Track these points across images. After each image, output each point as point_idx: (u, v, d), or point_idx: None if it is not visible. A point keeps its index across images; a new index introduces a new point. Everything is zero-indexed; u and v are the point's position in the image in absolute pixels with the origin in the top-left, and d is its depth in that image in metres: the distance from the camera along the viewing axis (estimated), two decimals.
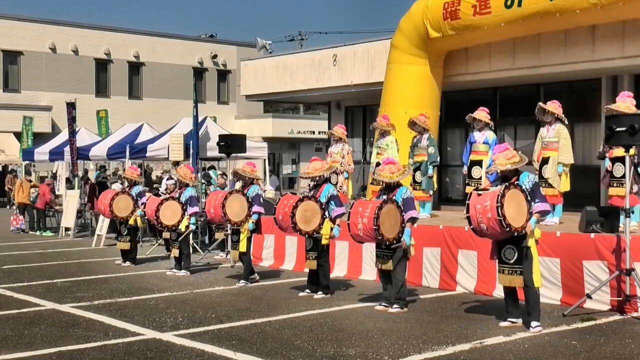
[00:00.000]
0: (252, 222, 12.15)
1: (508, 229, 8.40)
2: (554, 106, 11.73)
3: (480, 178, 12.61)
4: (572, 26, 14.26)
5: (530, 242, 8.62)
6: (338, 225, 10.85)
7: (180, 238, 13.21)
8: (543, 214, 8.86)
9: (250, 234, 12.24)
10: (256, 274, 12.43)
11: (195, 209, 13.31)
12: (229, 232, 12.89)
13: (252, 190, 12.23)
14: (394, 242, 9.64)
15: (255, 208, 12.12)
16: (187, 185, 13.48)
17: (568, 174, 11.76)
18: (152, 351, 7.81)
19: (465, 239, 11.23)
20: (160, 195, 14.08)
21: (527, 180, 8.75)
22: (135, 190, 14.83)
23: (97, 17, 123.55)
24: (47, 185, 22.24)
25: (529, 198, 8.57)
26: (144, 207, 14.01)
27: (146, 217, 14.06)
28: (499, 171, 8.91)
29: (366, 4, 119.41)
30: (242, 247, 12.11)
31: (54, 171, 27.16)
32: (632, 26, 13.77)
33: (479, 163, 12.76)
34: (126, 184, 16.06)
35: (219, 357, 7.59)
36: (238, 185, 13.85)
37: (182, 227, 13.17)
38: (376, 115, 15.08)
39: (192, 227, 13.46)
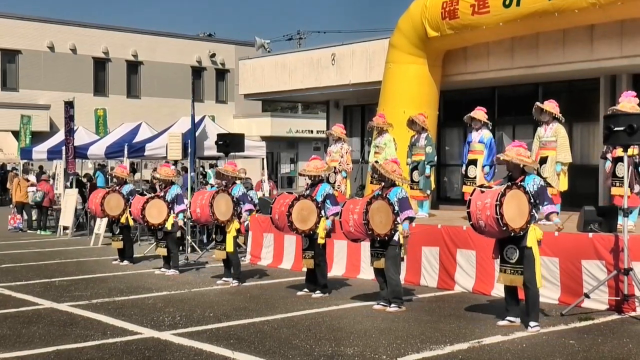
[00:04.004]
0: (248, 220, 12.24)
1: (505, 228, 8.40)
2: (551, 105, 11.73)
3: (476, 177, 12.61)
4: (570, 26, 14.27)
5: (532, 243, 8.61)
6: (331, 219, 10.83)
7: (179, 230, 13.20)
8: (552, 215, 8.83)
9: (237, 233, 12.24)
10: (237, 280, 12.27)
11: (183, 206, 13.25)
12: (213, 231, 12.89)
13: (238, 190, 12.24)
14: (386, 238, 9.66)
15: (247, 206, 12.13)
16: (172, 183, 13.46)
17: (566, 173, 11.76)
18: (150, 350, 7.80)
19: (463, 238, 11.23)
20: (144, 195, 14.10)
21: (533, 183, 8.74)
22: (126, 188, 14.80)
23: (96, 16, 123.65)
24: (45, 182, 22.21)
25: (532, 200, 8.56)
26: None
27: (132, 217, 13.93)
28: (501, 159, 8.88)
29: (365, 3, 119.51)
30: (230, 246, 12.07)
31: (53, 171, 27.10)
32: (630, 26, 13.78)
33: (474, 162, 12.76)
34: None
35: (217, 356, 7.58)
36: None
37: (168, 225, 13.13)
38: (375, 114, 15.09)
39: (181, 222, 13.42)
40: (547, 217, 8.89)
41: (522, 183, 8.70)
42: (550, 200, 8.85)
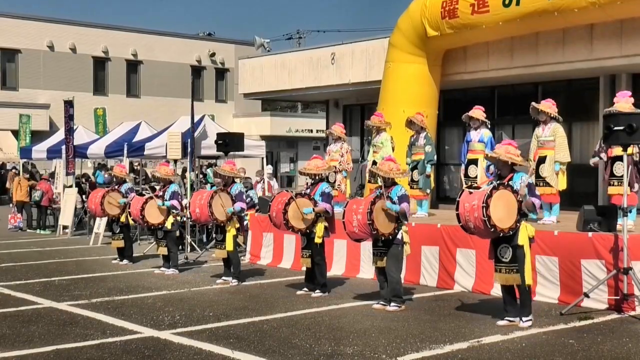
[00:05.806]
0: (246, 215, 12.24)
1: (493, 229, 8.44)
2: (548, 105, 11.71)
3: (476, 177, 12.61)
4: (570, 25, 14.28)
5: (523, 241, 8.65)
6: (312, 209, 10.70)
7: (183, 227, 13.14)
8: (533, 206, 8.73)
9: (237, 232, 12.25)
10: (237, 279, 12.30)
11: (174, 202, 13.18)
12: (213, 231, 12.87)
13: (235, 188, 12.25)
14: (390, 237, 9.67)
15: (237, 204, 12.11)
16: (170, 182, 13.45)
17: (565, 172, 11.76)
18: (150, 349, 7.80)
19: (463, 237, 11.21)
20: (143, 195, 14.10)
21: (520, 181, 8.76)
22: (125, 187, 14.80)
23: (95, 16, 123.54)
24: (46, 181, 22.19)
25: (520, 199, 8.58)
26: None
27: (132, 217, 13.90)
28: (489, 156, 8.96)
29: (365, 3, 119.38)
30: (230, 245, 12.06)
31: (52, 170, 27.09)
32: (630, 25, 13.79)
33: (474, 162, 12.75)
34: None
35: (216, 355, 7.59)
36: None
37: (168, 224, 13.13)
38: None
39: (173, 215, 13.44)
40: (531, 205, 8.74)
41: (509, 182, 8.72)
42: (538, 197, 8.91)
